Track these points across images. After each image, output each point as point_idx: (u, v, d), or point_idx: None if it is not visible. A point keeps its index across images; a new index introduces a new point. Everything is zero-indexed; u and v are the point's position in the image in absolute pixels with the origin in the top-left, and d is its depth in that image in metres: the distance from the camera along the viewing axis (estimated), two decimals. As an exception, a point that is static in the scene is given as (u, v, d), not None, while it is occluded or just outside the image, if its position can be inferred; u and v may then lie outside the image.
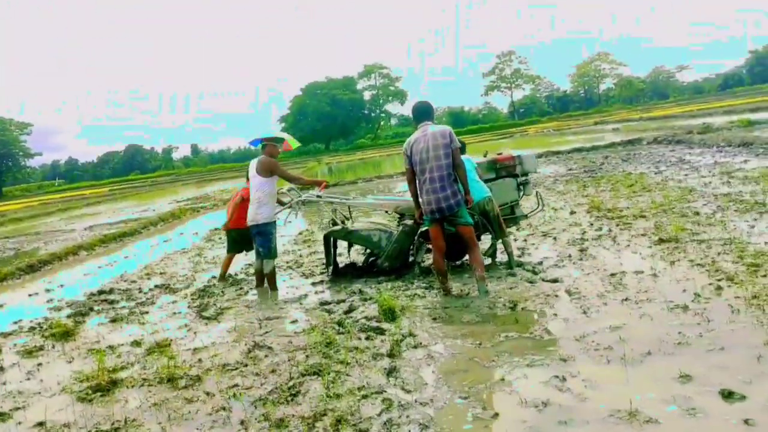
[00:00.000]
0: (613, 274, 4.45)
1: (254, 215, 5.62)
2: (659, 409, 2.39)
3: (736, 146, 11.71)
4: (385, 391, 3.02)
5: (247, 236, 6.02)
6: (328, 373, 3.33)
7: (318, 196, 6.05)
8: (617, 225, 6.20)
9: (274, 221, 5.74)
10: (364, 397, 2.97)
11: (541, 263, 5.20)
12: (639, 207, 6.97)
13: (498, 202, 5.36)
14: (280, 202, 6.33)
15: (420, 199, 4.65)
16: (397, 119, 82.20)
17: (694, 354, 2.86)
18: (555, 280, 4.57)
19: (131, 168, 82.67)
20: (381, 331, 3.96)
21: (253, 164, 5.77)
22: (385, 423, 2.66)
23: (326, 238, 5.93)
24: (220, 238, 10.19)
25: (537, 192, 5.75)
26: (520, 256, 5.63)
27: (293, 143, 6.19)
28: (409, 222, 5.49)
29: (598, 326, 3.45)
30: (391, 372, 3.27)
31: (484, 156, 5.80)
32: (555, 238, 6.16)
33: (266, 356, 3.86)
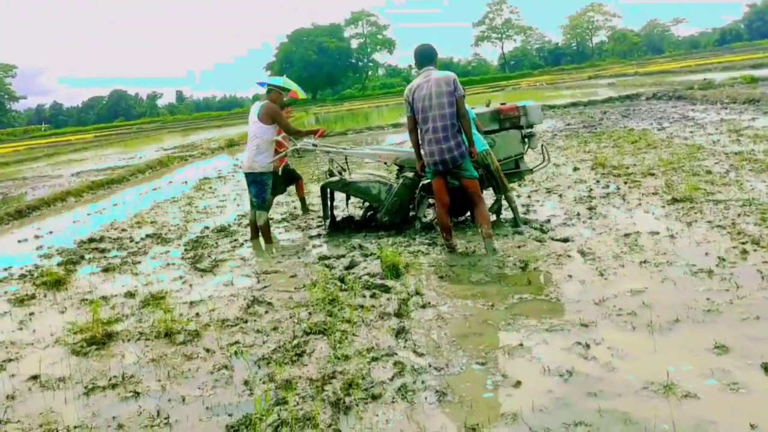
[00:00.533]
0: (627, 235, 4.27)
1: (251, 162, 5.30)
2: (697, 382, 2.24)
3: (741, 103, 11.42)
4: (396, 354, 2.86)
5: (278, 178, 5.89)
6: (334, 333, 3.16)
7: (314, 145, 5.71)
8: (625, 183, 5.99)
9: (271, 171, 5.44)
10: (374, 359, 2.81)
11: (548, 221, 5.00)
12: (646, 164, 6.75)
13: (501, 156, 5.10)
14: (275, 151, 6.00)
15: (422, 151, 4.37)
16: (384, 69, 79.81)
17: (726, 323, 2.70)
18: (565, 240, 4.38)
19: (116, 114, 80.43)
20: (386, 289, 3.78)
21: (255, 108, 5.42)
22: (399, 389, 2.50)
23: (323, 189, 5.65)
24: (210, 188, 9.88)
25: (542, 145, 5.43)
26: (525, 214, 5.42)
27: (300, 93, 5.84)
28: (410, 174, 5.21)
29: (618, 290, 3.28)
30: (399, 333, 3.10)
31: (487, 105, 5.43)
32: (560, 195, 5.95)
33: (266, 312, 3.68)
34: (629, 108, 14.78)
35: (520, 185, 6.38)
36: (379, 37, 74.02)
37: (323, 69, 67.85)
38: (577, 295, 3.31)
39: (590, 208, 5.21)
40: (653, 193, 5.40)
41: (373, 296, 3.67)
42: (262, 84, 5.67)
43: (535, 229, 4.80)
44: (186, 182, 11.06)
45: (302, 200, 6.87)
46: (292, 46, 69.14)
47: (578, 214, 5.08)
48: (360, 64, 76.03)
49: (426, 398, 2.42)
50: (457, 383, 2.51)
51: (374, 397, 2.47)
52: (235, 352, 3.12)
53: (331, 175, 5.61)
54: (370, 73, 77.52)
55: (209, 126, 40.49)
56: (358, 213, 6.12)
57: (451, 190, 4.46)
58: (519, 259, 4.03)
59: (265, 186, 5.36)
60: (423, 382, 2.54)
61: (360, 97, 58.63)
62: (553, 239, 4.46)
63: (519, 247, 4.38)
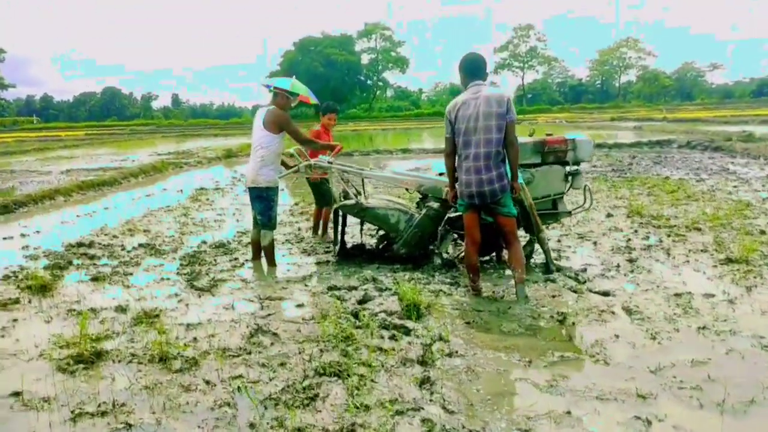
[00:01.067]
0: (677, 294, 4.11)
1: (255, 176, 5.07)
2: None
3: (786, 160, 11.40)
4: (423, 408, 2.68)
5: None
6: (350, 376, 2.99)
7: (329, 162, 5.57)
8: (668, 236, 5.86)
9: (277, 186, 5.20)
10: (399, 413, 2.63)
11: (584, 270, 4.85)
12: (689, 217, 6.64)
13: (540, 194, 4.86)
14: (285, 165, 5.83)
15: (458, 180, 4.14)
16: (393, 91, 78.66)
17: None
18: (606, 293, 4.22)
19: (108, 113, 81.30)
20: (406, 331, 3.61)
21: (260, 114, 5.16)
22: (430, 453, 2.31)
23: (335, 212, 5.50)
24: (207, 199, 9.79)
25: (586, 186, 5.20)
26: (557, 260, 5.27)
27: (312, 99, 5.40)
28: (435, 205, 5.04)
29: (676, 358, 3.10)
30: (424, 383, 2.92)
31: (530, 135, 5.13)
32: (595, 243, 5.81)
33: (272, 344, 3.51)
34: (660, 155, 14.78)
35: (548, 227, 6.23)
36: (392, 54, 72.62)
37: (329, 83, 64.87)
38: (627, 359, 3.13)
39: (631, 260, 5.06)
40: (702, 250, 5.26)
41: (392, 338, 3.50)
42: (268, 86, 5.37)
43: (570, 277, 4.63)
44: (181, 191, 10.98)
45: (323, 225, 6.60)
46: (298, 55, 67.41)
47: (618, 266, 4.93)
48: (369, 82, 74.81)
49: (462, 467, 2.24)
50: (497, 452, 2.33)
51: (401, 460, 2.28)
52: (238, 388, 2.94)
53: (346, 197, 5.47)
54: (378, 92, 76.49)
55: (205, 134, 40.73)
56: (368, 240, 6.00)
57: (481, 227, 4.26)
58: (556, 311, 3.87)
59: (271, 203, 5.16)
60: (458, 447, 2.35)
61: (366, 118, 58.68)
62: (591, 291, 4.30)
63: (553, 296, 4.22)
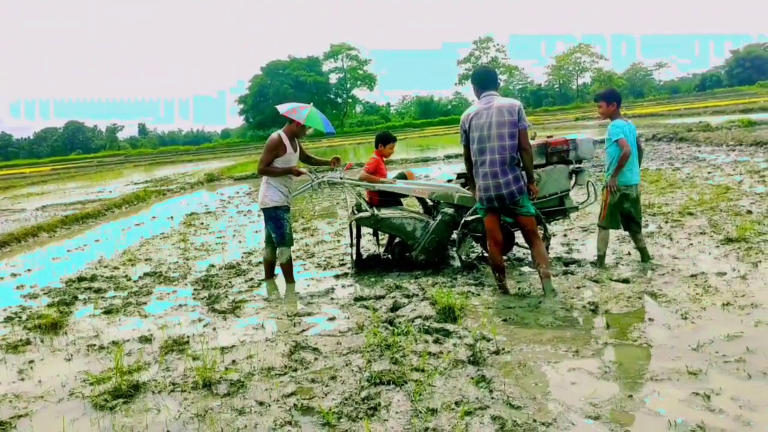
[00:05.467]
0: (693, 275, 4.24)
1: (262, 198, 5.16)
2: None
3: (748, 145, 11.90)
4: (489, 407, 2.68)
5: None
6: (406, 383, 2.97)
7: (341, 178, 5.59)
8: (666, 222, 6.05)
9: (286, 205, 5.18)
10: (467, 413, 2.62)
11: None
12: (679, 204, 6.86)
13: (546, 192, 5.05)
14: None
15: (476, 184, 4.26)
16: (362, 106, 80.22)
17: None
18: (626, 281, 4.32)
19: (72, 146, 78.93)
20: (447, 333, 3.62)
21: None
22: (512, 447, 2.32)
23: (350, 225, 5.53)
24: (201, 224, 9.61)
25: (589, 181, 5.41)
26: (568, 253, 5.39)
27: (314, 121, 5.11)
28: (449, 211, 5.17)
29: (711, 335, 3.20)
30: (480, 382, 2.93)
31: (532, 138, 5.40)
32: (599, 234, 5.94)
33: (315, 359, 3.46)
34: (631, 148, 15.22)
35: (550, 223, 6.35)
36: (359, 72, 74.28)
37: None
38: (668, 340, 3.21)
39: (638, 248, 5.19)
40: (701, 233, 5.44)
41: (436, 341, 3.50)
42: (286, 114, 5.22)
43: (585, 266, 4.74)
44: (172, 218, 10.77)
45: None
46: (266, 79, 68.78)
47: (629, 254, 5.07)
48: (339, 100, 76.13)
49: (546, 458, 2.25)
50: (576, 441, 2.35)
51: (485, 458, 2.28)
52: (295, 405, 2.89)
53: (359, 210, 5.49)
54: (347, 109, 77.84)
55: (178, 160, 40.12)
56: (373, 249, 6.01)
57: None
58: (586, 302, 3.94)
59: (282, 221, 5.15)
60: (537, 439, 2.36)
61: (338, 134, 59.09)
62: (611, 280, 4.40)
63: (578, 287, 4.30)
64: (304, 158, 5.49)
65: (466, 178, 5.25)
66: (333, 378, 3.16)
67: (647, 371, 2.87)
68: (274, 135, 5.20)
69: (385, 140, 5.76)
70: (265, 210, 5.17)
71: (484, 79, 4.30)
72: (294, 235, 7.54)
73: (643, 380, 2.80)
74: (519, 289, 4.42)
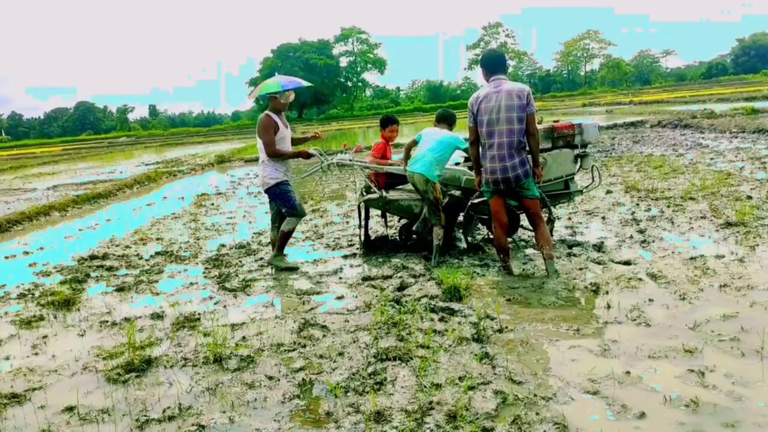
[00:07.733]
0: (692, 258, 4.28)
1: (262, 179, 5.14)
2: None
3: (751, 132, 11.82)
4: (491, 382, 2.74)
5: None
6: (411, 359, 3.03)
7: (350, 160, 5.61)
8: (668, 206, 6.06)
9: (286, 179, 5.12)
10: (470, 388, 2.68)
11: (602, 243, 4.99)
12: (681, 189, 6.86)
13: (552, 176, 5.06)
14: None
15: (482, 166, 4.28)
16: (372, 90, 79.83)
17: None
18: (627, 263, 4.36)
19: (83, 127, 79.15)
20: (452, 312, 3.68)
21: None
22: (513, 421, 2.38)
23: (359, 207, 5.55)
24: (212, 204, 9.69)
25: (594, 166, 5.41)
26: (572, 236, 5.43)
27: (265, 88, 5.04)
28: (456, 193, 5.18)
29: (708, 314, 3.25)
30: (484, 359, 2.99)
31: (539, 123, 5.42)
32: (603, 218, 5.99)
33: (324, 336, 3.53)
34: (636, 135, 15.14)
35: (555, 207, 6.38)
36: (369, 56, 73.45)
37: (310, 87, 66.62)
38: (666, 319, 3.26)
39: (640, 231, 5.23)
40: (701, 217, 5.46)
41: (442, 320, 3.56)
42: (263, 96, 5.23)
43: (589, 250, 4.79)
44: (183, 198, 10.85)
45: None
46: (277, 62, 67.89)
47: (630, 237, 5.10)
48: (349, 83, 75.44)
49: (545, 431, 2.31)
50: (574, 415, 2.40)
51: (487, 431, 2.34)
52: (304, 380, 2.96)
53: (368, 191, 5.53)
54: (357, 93, 77.07)
55: (188, 142, 40.07)
56: (381, 231, 6.05)
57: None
58: (588, 282, 3.99)
59: (288, 194, 5.12)
60: (537, 413, 2.42)
61: (348, 118, 58.91)
62: (613, 261, 4.44)
63: (580, 269, 4.34)
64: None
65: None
66: (341, 354, 3.23)
67: (645, 349, 2.92)
68: (262, 116, 5.13)
69: (384, 123, 5.84)
70: (268, 190, 5.16)
71: (494, 63, 4.30)
72: (305, 216, 7.59)
73: (641, 358, 2.85)
74: (523, 270, 4.47)
